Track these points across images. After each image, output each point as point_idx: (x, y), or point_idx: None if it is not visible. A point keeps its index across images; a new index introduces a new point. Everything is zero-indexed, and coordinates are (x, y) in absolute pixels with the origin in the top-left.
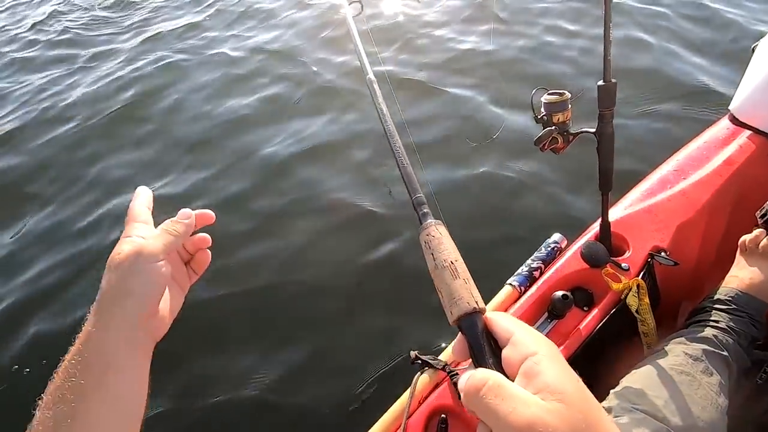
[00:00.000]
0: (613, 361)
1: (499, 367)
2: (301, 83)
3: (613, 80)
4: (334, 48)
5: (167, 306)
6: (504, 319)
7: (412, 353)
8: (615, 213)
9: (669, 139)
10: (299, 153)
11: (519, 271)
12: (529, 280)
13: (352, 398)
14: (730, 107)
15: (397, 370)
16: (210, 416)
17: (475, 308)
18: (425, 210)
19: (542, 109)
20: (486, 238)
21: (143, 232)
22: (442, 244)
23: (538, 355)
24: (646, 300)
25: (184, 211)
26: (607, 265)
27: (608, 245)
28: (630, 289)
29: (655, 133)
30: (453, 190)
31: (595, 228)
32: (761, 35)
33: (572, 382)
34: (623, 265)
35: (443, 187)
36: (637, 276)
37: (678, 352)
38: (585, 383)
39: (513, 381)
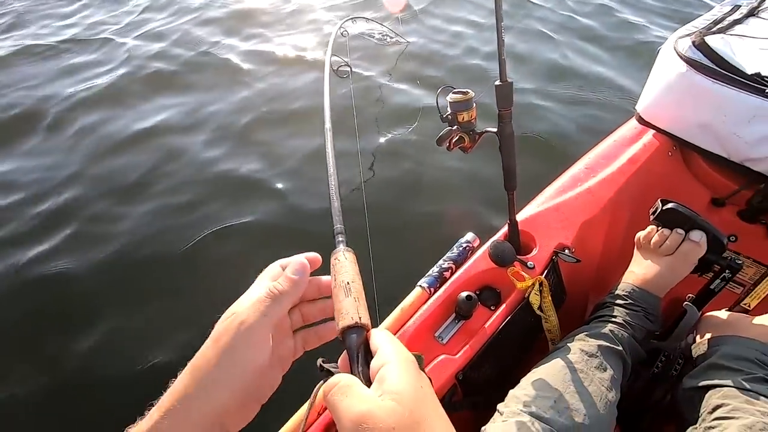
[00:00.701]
0: (522, 358)
1: (367, 376)
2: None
3: (510, 80)
4: None
5: (256, 393)
6: (378, 335)
7: (319, 362)
8: (527, 211)
9: (586, 137)
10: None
11: (430, 272)
12: (439, 280)
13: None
14: (636, 108)
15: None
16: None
17: (356, 323)
18: (341, 239)
19: (448, 109)
20: (403, 235)
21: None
22: (344, 267)
23: (391, 364)
24: (549, 297)
25: (296, 263)
26: (514, 264)
27: (516, 244)
28: (533, 287)
29: (575, 131)
30: (372, 187)
31: (506, 227)
32: (664, 40)
33: (412, 386)
34: (529, 263)
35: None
36: (541, 274)
37: (575, 350)
38: (494, 381)
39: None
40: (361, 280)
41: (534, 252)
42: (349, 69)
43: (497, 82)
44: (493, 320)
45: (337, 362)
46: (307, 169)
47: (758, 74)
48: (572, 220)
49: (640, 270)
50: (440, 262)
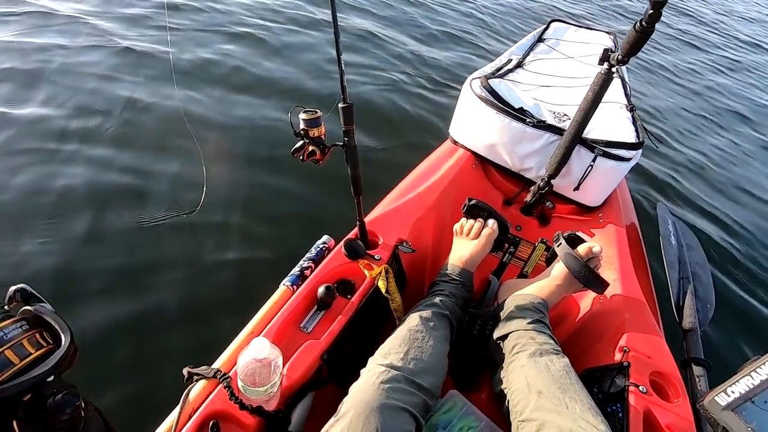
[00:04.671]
0: (377, 335)
1: None
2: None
3: (350, 102)
4: None
5: None
6: None
7: (185, 371)
8: (373, 214)
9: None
10: None
11: (292, 271)
12: (301, 278)
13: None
14: (449, 131)
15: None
16: None
17: None
18: None
19: (301, 125)
20: (266, 240)
21: None
22: None
23: None
24: (393, 282)
25: None
26: (364, 258)
27: (365, 241)
28: (380, 275)
29: (410, 145)
30: (233, 201)
31: (356, 228)
32: (473, 70)
33: None
34: (376, 256)
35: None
36: (386, 263)
37: (416, 317)
38: (355, 357)
39: None
40: None
41: (380, 247)
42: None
43: (341, 105)
44: (349, 306)
45: (207, 366)
46: None
47: (521, 109)
48: (408, 219)
49: (457, 252)
50: (300, 262)
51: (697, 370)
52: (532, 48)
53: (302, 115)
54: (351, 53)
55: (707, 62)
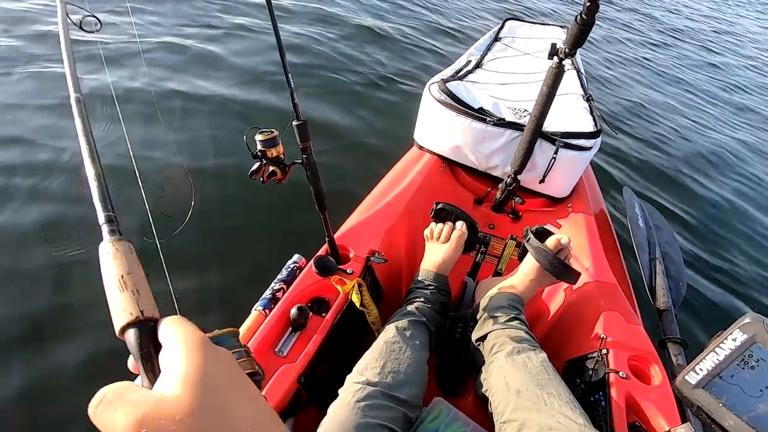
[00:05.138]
0: (355, 352)
1: (154, 372)
2: None
3: (303, 119)
4: None
5: None
6: (165, 323)
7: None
8: (344, 227)
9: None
10: None
11: (264, 295)
12: (273, 301)
13: None
14: (414, 137)
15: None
16: None
17: (137, 318)
18: (108, 228)
19: (258, 146)
20: (234, 264)
21: None
22: (117, 259)
23: (175, 349)
24: (368, 295)
25: None
26: (336, 273)
27: (336, 256)
28: (353, 289)
29: (375, 159)
30: (194, 225)
31: (326, 244)
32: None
33: (201, 366)
34: (348, 270)
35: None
36: (359, 277)
37: (392, 328)
38: (333, 377)
39: None
40: (143, 270)
41: (351, 261)
42: (97, 20)
43: (294, 122)
44: (323, 325)
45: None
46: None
47: (481, 109)
48: (378, 230)
49: (429, 258)
50: (272, 284)
51: (674, 348)
52: (489, 48)
53: (258, 136)
54: (295, 54)
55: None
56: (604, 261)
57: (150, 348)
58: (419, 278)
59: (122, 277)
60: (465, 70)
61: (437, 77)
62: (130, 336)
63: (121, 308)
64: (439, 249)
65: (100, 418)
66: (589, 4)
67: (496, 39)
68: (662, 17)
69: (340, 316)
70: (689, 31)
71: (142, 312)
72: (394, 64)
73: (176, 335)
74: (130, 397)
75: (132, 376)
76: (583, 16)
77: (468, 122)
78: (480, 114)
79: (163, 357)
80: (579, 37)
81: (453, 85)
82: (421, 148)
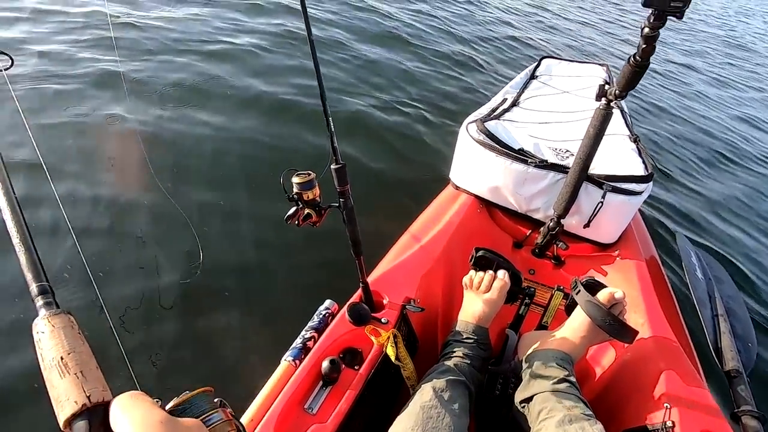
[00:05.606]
0: (390, 411)
1: None
2: None
3: (342, 162)
4: None
5: None
6: (116, 407)
7: None
8: (376, 272)
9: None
10: None
11: (294, 344)
12: (303, 351)
13: None
14: (450, 176)
15: None
16: None
17: (84, 405)
18: (43, 301)
19: (294, 189)
20: (264, 310)
21: None
22: (55, 337)
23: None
24: (403, 347)
25: None
26: (370, 322)
27: (370, 303)
28: (388, 341)
29: (409, 197)
30: (224, 266)
31: (359, 290)
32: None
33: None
34: (383, 319)
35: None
36: (394, 327)
37: (428, 389)
38: None
39: None
40: (87, 345)
41: (386, 308)
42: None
43: (333, 166)
44: (357, 379)
45: None
46: None
47: (522, 149)
48: (414, 275)
49: (468, 308)
50: (302, 332)
51: (751, 424)
52: (525, 86)
53: (295, 179)
54: (336, 93)
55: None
56: (661, 316)
57: None
58: (457, 329)
59: (61, 359)
60: (501, 108)
61: (474, 116)
62: (80, 429)
63: (63, 397)
64: (479, 299)
65: None
66: (644, 46)
67: (533, 77)
68: (715, 49)
69: (374, 369)
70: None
71: (89, 398)
72: (427, 99)
73: (130, 420)
74: None
75: None
76: (638, 57)
77: (508, 163)
78: (521, 155)
79: None
80: (632, 79)
81: (491, 125)
82: (457, 188)
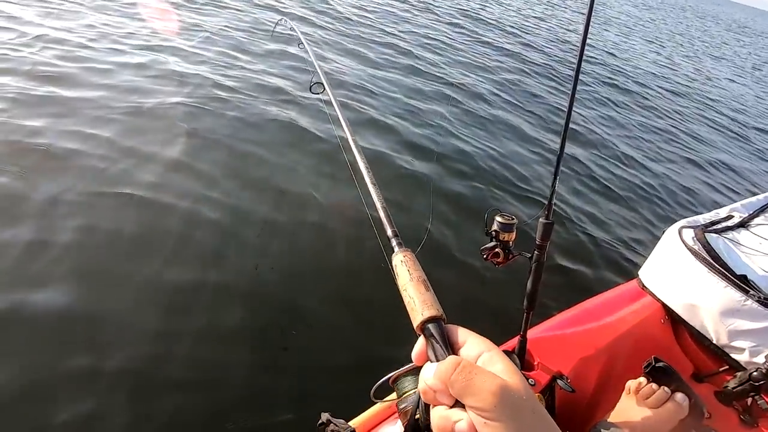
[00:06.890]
0: None
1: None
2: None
3: (551, 219)
4: None
5: None
6: (459, 329)
7: (324, 415)
8: (533, 332)
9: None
10: None
11: None
12: None
13: None
14: (639, 273)
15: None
16: None
17: (441, 314)
18: (397, 241)
19: (494, 226)
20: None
21: None
22: (416, 263)
23: (491, 352)
24: None
25: None
26: None
27: (522, 358)
28: None
29: (580, 278)
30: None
31: (514, 341)
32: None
33: (515, 372)
34: (530, 380)
35: None
36: (539, 393)
37: None
38: None
39: None
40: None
41: (535, 370)
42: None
43: (543, 219)
44: None
45: (345, 420)
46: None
47: (745, 276)
48: (573, 353)
49: (624, 414)
50: None
51: None
52: (763, 210)
53: (498, 218)
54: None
55: None
56: None
57: (447, 340)
58: (603, 430)
59: (425, 279)
60: (724, 224)
61: (689, 222)
62: (434, 328)
63: (428, 304)
64: (640, 411)
65: (460, 377)
66: None
67: None
68: None
69: None
70: None
71: (438, 310)
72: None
73: (485, 342)
74: (484, 370)
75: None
76: None
77: (722, 286)
78: (743, 283)
79: (473, 352)
80: None
81: (712, 237)
82: (643, 287)
